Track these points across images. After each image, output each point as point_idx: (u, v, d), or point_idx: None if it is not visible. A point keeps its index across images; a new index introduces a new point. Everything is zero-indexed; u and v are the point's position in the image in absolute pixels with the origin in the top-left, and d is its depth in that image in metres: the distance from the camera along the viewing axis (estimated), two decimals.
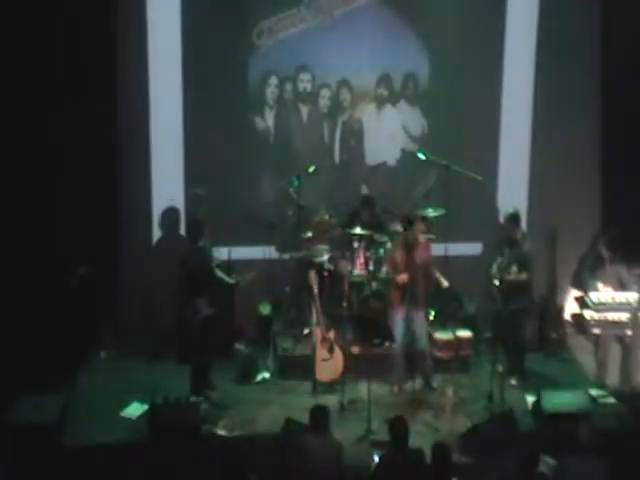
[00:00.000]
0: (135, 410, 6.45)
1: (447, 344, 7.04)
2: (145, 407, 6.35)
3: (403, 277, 6.55)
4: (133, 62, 7.43)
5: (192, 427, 6.01)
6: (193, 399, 6.41)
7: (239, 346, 7.25)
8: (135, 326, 7.46)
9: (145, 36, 7.46)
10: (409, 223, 6.64)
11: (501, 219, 7.44)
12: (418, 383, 6.78)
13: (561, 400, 6.20)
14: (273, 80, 7.79)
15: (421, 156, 7.54)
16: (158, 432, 5.92)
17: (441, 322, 7.28)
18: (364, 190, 7.72)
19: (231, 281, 6.84)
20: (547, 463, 5.60)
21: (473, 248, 7.83)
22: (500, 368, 6.76)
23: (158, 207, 7.67)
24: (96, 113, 7.24)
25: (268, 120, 7.85)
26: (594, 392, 6.57)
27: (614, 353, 6.74)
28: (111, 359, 7.36)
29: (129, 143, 7.53)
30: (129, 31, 7.39)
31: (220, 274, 6.78)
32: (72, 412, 6.33)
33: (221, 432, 6.21)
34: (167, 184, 7.66)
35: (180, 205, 7.66)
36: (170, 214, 7.58)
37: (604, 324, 6.63)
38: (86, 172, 7.25)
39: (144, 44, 7.46)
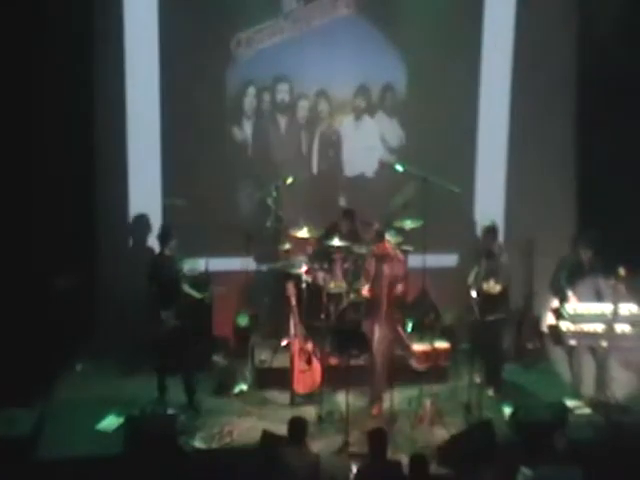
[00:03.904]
0: (111, 423, 6.39)
1: (425, 355, 7.06)
2: (121, 420, 6.29)
3: (365, 289, 6.60)
4: (110, 73, 7.39)
5: (169, 439, 5.95)
6: (170, 411, 6.38)
7: (216, 358, 7.21)
8: (112, 338, 7.37)
9: (122, 47, 7.42)
10: (377, 236, 6.65)
11: (478, 231, 7.50)
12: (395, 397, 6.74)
13: (537, 411, 6.24)
14: (251, 90, 7.79)
15: (399, 168, 7.59)
16: (135, 445, 5.86)
17: (419, 333, 7.30)
18: (342, 202, 7.73)
19: (198, 296, 6.77)
20: (524, 474, 5.63)
21: (450, 259, 7.88)
22: (478, 379, 6.79)
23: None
24: (73, 124, 7.18)
25: (246, 130, 7.85)
26: (570, 403, 6.61)
27: (589, 364, 6.80)
28: (87, 372, 7.26)
29: (106, 154, 7.48)
30: (106, 43, 7.36)
31: (187, 288, 6.69)
32: (47, 426, 6.24)
33: (198, 444, 6.17)
34: (144, 196, 7.61)
35: (157, 217, 7.59)
36: (140, 222, 7.52)
37: (580, 335, 6.67)
38: (62, 184, 7.18)
39: (121, 54, 7.43)
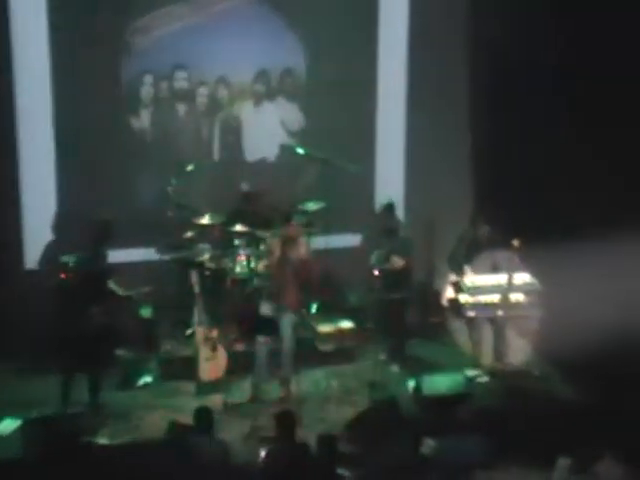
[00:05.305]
0: (6, 426, 6.17)
1: (330, 336, 7.13)
2: (18, 423, 6.09)
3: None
4: None
5: (70, 439, 5.79)
6: (71, 410, 6.24)
7: (119, 351, 7.09)
8: (9, 339, 7.09)
9: (8, 37, 7.14)
10: (284, 219, 6.66)
11: (379, 210, 7.60)
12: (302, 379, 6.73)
13: (440, 383, 6.38)
14: (148, 79, 7.63)
15: (300, 151, 7.62)
16: (34, 448, 5.68)
17: (324, 314, 7.37)
18: (244, 187, 7.67)
19: (126, 293, 6.65)
20: (428, 445, 5.76)
21: (353, 239, 7.92)
22: (382, 356, 6.89)
23: (28, 216, 7.37)
24: None
25: (144, 120, 7.70)
26: (470, 373, 6.79)
27: (488, 334, 7.00)
28: None
29: None
30: None
31: (113, 285, 6.56)
32: None
33: (104, 441, 6.05)
34: (38, 192, 7.37)
35: (51, 207, 7.40)
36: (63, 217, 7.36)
37: (478, 307, 6.86)
38: None
39: (8, 45, 7.13)
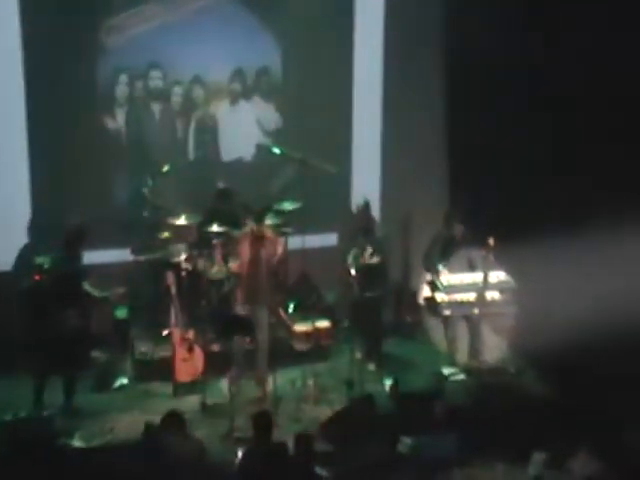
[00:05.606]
0: None
1: (306, 335, 7.12)
2: None
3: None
4: None
5: (45, 442, 5.76)
6: (46, 413, 6.17)
7: (95, 353, 7.03)
8: None
9: None
10: (258, 216, 6.64)
11: (355, 209, 7.62)
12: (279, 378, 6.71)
13: (416, 381, 6.43)
14: (123, 78, 7.60)
15: (276, 150, 7.62)
16: (7, 451, 5.64)
17: (301, 313, 7.36)
18: (221, 187, 7.63)
19: (101, 294, 6.59)
20: (405, 443, 5.79)
21: (330, 239, 7.95)
22: (359, 355, 6.92)
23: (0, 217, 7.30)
24: None
25: (119, 119, 7.66)
26: (446, 371, 6.84)
27: (464, 332, 7.04)
28: None
29: None
30: None
31: (88, 286, 6.51)
32: None
33: (78, 444, 6.00)
34: (11, 193, 7.28)
35: (26, 206, 7.34)
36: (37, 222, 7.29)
37: (454, 305, 6.91)
38: None
39: None
